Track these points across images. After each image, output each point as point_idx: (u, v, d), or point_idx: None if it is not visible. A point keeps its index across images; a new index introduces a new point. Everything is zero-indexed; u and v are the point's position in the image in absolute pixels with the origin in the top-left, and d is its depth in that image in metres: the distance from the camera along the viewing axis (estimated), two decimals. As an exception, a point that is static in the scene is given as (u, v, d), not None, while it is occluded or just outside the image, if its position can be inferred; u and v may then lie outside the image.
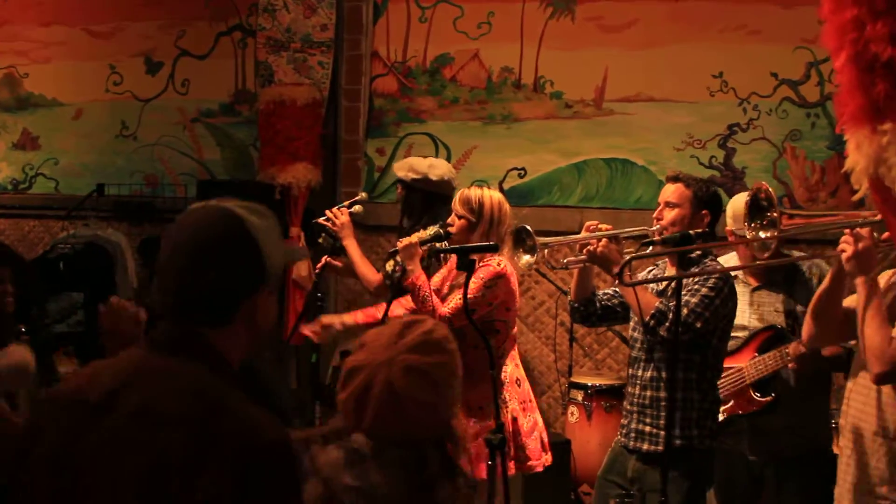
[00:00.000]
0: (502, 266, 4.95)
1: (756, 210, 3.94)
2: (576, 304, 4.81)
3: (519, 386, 5.07)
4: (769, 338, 4.91)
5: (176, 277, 2.18)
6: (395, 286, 5.22)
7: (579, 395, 6.93)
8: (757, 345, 4.92)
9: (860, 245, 3.59)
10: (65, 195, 9.44)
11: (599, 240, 4.44)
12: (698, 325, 4.32)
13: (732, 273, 4.88)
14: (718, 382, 4.62)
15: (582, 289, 4.76)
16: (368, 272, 5.63)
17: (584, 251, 4.49)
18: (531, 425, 5.06)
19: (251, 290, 2.22)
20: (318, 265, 5.64)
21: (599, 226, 4.56)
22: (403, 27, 8.36)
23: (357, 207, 6.06)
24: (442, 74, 8.24)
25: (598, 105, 7.79)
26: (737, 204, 4.87)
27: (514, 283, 5.05)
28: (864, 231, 3.61)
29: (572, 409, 6.96)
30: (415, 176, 5.81)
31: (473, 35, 8.15)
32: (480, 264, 4.89)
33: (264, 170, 8.12)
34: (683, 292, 4.29)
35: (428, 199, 5.78)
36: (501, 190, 7.93)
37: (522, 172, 7.98)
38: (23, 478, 2.19)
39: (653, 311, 4.33)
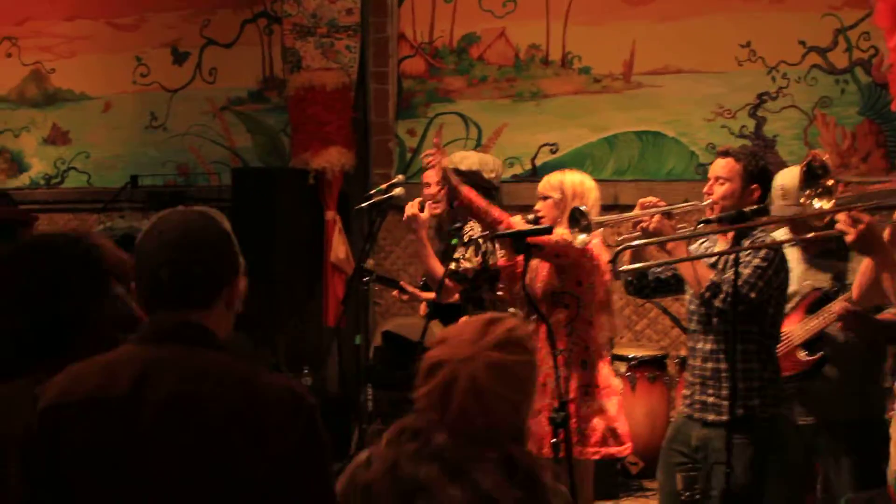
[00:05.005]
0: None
1: (811, 178, 3.96)
2: (629, 278, 4.88)
3: (584, 369, 5.09)
4: (816, 300, 4.94)
5: (168, 268, 2.34)
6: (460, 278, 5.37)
7: (622, 367, 6.99)
8: (805, 307, 4.95)
9: (860, 227, 3.59)
10: (98, 188, 9.51)
11: (653, 216, 4.50)
12: (753, 295, 4.38)
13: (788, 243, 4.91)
14: None
15: (636, 263, 4.83)
16: (437, 267, 5.65)
17: (638, 228, 4.55)
18: (592, 411, 5.02)
19: (231, 276, 2.44)
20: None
21: (653, 202, 4.61)
22: (429, 8, 8.40)
23: (399, 189, 6.12)
24: (469, 53, 8.29)
25: (626, 79, 7.84)
26: (785, 178, 4.88)
27: (594, 261, 5.02)
28: (863, 215, 3.61)
29: (616, 380, 7.01)
30: (449, 166, 5.86)
31: (499, 13, 8.19)
32: None
33: (297, 155, 8.19)
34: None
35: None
36: (534, 166, 8.00)
37: (554, 148, 8.03)
38: (46, 479, 2.27)
39: (708, 284, 4.39)
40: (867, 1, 6.40)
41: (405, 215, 5.67)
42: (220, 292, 2.39)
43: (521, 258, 4.71)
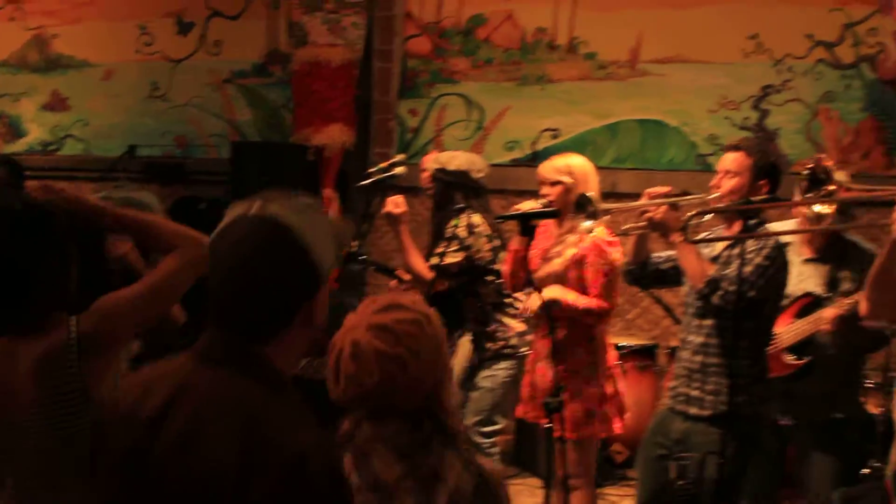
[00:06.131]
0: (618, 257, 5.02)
1: (814, 183, 3.94)
2: (630, 267, 4.87)
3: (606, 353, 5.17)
4: (807, 304, 4.93)
5: (229, 296, 2.16)
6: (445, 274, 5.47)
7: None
8: (795, 311, 4.93)
9: None
10: (95, 157, 9.47)
11: (659, 207, 4.47)
12: (752, 293, 4.34)
13: (786, 240, 4.87)
14: None
15: (638, 253, 4.82)
16: (419, 263, 5.66)
17: (644, 217, 4.53)
18: (618, 391, 5.18)
19: (306, 297, 2.17)
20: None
21: (661, 192, 4.58)
22: (436, -13, 8.37)
23: (400, 168, 6.08)
24: (476, 35, 8.26)
25: (632, 66, 7.82)
26: None
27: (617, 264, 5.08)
28: None
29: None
30: (436, 166, 5.85)
31: (507, -5, 8.17)
32: (593, 246, 4.94)
33: (299, 131, 8.16)
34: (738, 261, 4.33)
35: (446, 188, 5.79)
36: (534, 151, 7.98)
37: (556, 133, 8.01)
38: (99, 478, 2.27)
39: (707, 279, 4.37)
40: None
41: (386, 211, 5.68)
42: (290, 319, 2.17)
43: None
